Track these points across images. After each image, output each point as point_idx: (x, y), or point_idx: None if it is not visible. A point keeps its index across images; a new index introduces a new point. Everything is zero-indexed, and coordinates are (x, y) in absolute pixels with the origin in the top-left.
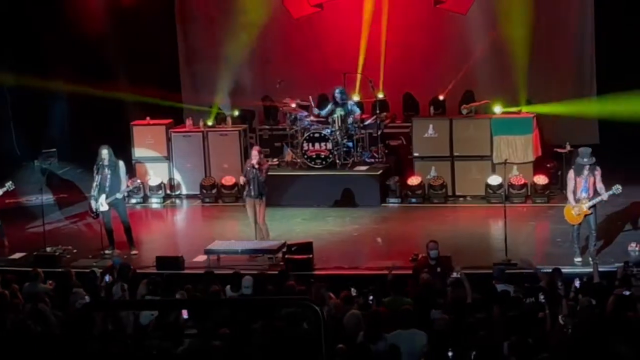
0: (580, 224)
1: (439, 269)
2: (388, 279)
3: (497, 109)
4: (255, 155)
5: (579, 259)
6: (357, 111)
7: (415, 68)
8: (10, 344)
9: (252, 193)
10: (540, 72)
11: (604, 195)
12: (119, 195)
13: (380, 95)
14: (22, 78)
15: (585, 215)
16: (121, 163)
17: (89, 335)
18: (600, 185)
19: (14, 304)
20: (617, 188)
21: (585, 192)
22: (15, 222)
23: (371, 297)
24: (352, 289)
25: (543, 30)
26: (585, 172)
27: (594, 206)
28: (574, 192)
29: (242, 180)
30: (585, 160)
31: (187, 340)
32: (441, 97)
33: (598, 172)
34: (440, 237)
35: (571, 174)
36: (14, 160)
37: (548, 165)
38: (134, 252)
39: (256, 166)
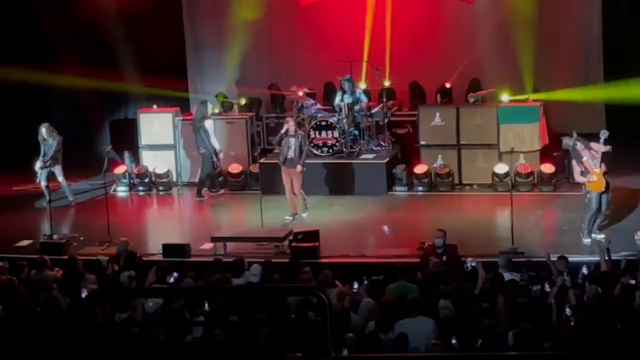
0: (596, 209)
1: (444, 258)
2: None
3: (505, 97)
4: (292, 124)
5: (588, 240)
6: (365, 99)
7: (421, 56)
8: (18, 330)
9: (295, 161)
10: (546, 59)
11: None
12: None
13: (387, 84)
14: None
15: (601, 194)
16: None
17: (93, 323)
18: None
19: (20, 292)
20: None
21: (593, 161)
22: (22, 208)
23: (355, 285)
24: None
25: (549, 16)
26: (584, 153)
27: (605, 172)
28: (583, 174)
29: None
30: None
31: (197, 329)
32: (448, 85)
33: (593, 143)
34: (447, 225)
35: (574, 162)
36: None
37: (555, 154)
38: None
39: (293, 132)
